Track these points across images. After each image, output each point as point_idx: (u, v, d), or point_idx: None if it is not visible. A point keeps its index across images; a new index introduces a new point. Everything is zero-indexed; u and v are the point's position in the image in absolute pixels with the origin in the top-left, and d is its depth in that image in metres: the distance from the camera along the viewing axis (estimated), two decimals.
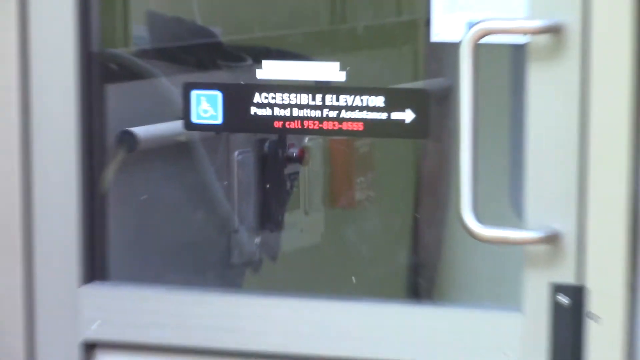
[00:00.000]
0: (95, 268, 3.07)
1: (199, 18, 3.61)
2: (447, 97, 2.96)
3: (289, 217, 3.47)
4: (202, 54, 3.47)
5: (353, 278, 3.37)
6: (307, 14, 3.79)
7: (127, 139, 3.03)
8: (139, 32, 3.47)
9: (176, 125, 2.94)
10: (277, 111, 2.82)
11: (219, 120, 2.82)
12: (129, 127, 3.06)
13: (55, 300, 3.12)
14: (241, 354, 2.93)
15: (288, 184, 3.46)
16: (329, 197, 3.62)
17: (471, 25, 2.57)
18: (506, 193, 3.03)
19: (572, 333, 2.73)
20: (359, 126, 2.74)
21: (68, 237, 3.00)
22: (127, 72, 3.24)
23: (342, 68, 2.77)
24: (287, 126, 2.85)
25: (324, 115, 2.79)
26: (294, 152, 3.33)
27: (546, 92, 2.59)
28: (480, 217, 2.56)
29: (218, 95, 2.80)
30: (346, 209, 3.65)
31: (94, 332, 3.04)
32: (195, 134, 3.16)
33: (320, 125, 2.81)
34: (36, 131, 3.01)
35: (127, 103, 3.25)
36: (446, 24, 2.72)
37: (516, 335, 2.76)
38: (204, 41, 3.59)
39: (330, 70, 2.80)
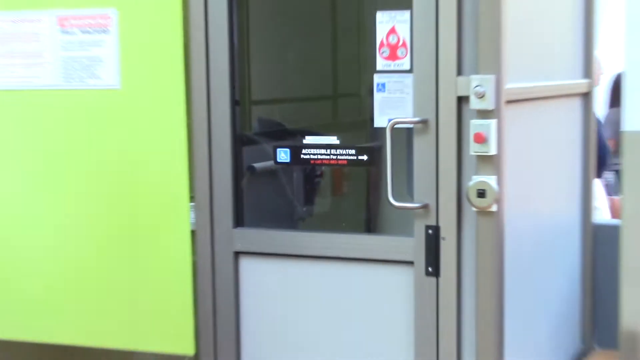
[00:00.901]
0: (239, 220, 4.56)
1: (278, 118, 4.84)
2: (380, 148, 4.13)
3: (317, 200, 4.78)
4: (278, 133, 4.68)
5: (343, 224, 4.75)
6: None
7: (251, 168, 4.58)
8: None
9: (270, 163, 4.44)
10: (311, 156, 4.35)
11: (288, 160, 4.38)
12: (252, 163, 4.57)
13: (224, 235, 4.55)
14: (322, 257, 4.41)
15: (315, 186, 4.71)
16: (332, 190, 4.76)
17: (389, 120, 4.08)
18: (407, 188, 4.34)
19: (435, 247, 4.16)
20: (344, 162, 4.32)
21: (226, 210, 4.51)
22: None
23: (338, 137, 4.32)
24: (314, 162, 4.38)
25: (330, 157, 4.32)
26: (318, 172, 4.61)
27: (421, 147, 4.14)
28: (395, 197, 4.10)
29: (288, 150, 4.37)
30: (339, 195, 4.76)
31: (238, 247, 4.53)
32: (279, 167, 4.52)
33: (329, 161, 4.35)
34: (215, 148, 4.50)
35: (250, 153, 4.57)
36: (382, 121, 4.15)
37: (410, 247, 4.19)
38: (278, 128, 4.77)
39: (331, 139, 4.32)
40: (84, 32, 4.91)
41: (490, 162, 4.01)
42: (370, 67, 4.27)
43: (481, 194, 4.01)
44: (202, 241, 4.65)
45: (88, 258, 5.03)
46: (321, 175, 4.68)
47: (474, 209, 4.06)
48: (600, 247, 5.47)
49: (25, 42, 5.03)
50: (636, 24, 2.29)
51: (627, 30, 2.28)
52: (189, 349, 4.85)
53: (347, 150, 4.37)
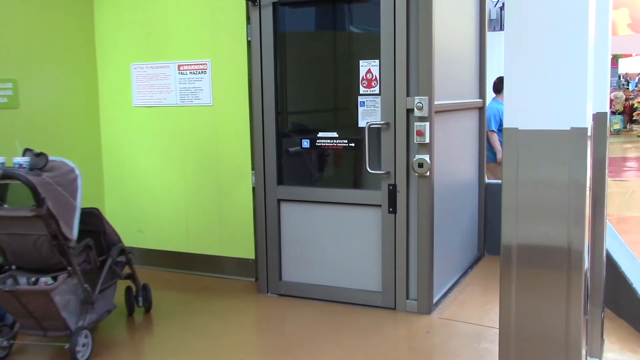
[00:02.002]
0: (280, 180, 4.42)
1: (303, 122, 4.70)
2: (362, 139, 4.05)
3: (325, 169, 4.58)
4: (303, 131, 4.50)
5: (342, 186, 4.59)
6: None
7: (287, 151, 4.42)
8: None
9: (298, 148, 4.38)
10: (322, 143, 4.29)
11: (309, 146, 4.32)
12: (288, 148, 4.46)
13: (271, 189, 4.42)
14: (329, 203, 4.30)
15: (325, 161, 4.48)
16: (335, 163, 4.48)
17: (367, 122, 3.99)
18: (377, 162, 4.10)
19: (393, 196, 4.06)
20: (341, 147, 4.25)
21: (272, 175, 4.40)
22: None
23: (337, 133, 4.23)
24: (324, 147, 4.29)
25: (333, 144, 4.25)
26: (326, 153, 4.32)
27: (386, 138, 4.02)
28: (370, 167, 4.04)
29: (308, 140, 4.31)
30: (338, 166, 4.50)
31: (280, 196, 4.38)
32: (303, 150, 4.36)
33: (332, 147, 4.27)
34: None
35: (287, 142, 4.46)
36: (363, 124, 4.03)
37: (379, 196, 4.10)
38: (303, 128, 4.60)
39: (333, 134, 4.24)
40: (192, 73, 4.87)
41: (425, 147, 3.98)
42: (356, 92, 4.16)
43: (420, 165, 3.97)
44: (259, 193, 4.55)
45: (192, 200, 5.01)
46: (328, 155, 4.43)
47: (416, 174, 4.01)
48: (489, 194, 5.36)
49: (160, 79, 4.99)
50: (514, 43, 2.09)
51: (506, 48, 2.08)
52: (251, 255, 4.84)
53: (342, 141, 4.28)
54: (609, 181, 6.89)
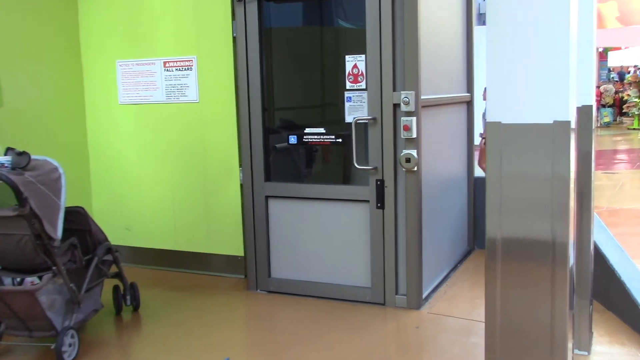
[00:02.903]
0: (268, 177, 4.39)
1: (291, 118, 4.64)
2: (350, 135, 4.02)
3: (314, 165, 4.49)
4: (290, 126, 4.42)
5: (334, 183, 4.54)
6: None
7: (274, 147, 4.40)
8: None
9: (286, 144, 4.35)
10: (309, 139, 4.25)
11: (296, 142, 4.29)
12: (275, 144, 4.43)
13: (259, 186, 4.38)
14: (317, 199, 4.27)
15: (312, 157, 4.40)
16: (322, 159, 4.42)
17: (354, 118, 3.97)
18: (364, 158, 4.09)
19: (381, 192, 4.04)
20: (329, 143, 4.22)
21: (260, 171, 4.37)
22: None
23: (325, 128, 4.21)
24: (311, 143, 4.26)
25: (321, 140, 4.22)
26: (314, 149, 4.30)
27: (373, 133, 4.00)
28: (358, 163, 4.00)
29: (296, 136, 4.28)
30: (326, 162, 4.44)
31: (268, 193, 4.36)
32: (291, 146, 4.33)
33: (320, 142, 4.25)
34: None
35: (274, 138, 4.41)
36: (350, 119, 4.02)
37: (367, 192, 4.08)
38: (290, 124, 4.49)
39: (321, 129, 4.20)
40: (177, 70, 4.84)
41: (412, 142, 3.96)
42: (342, 87, 4.14)
43: (408, 160, 3.96)
44: (247, 190, 4.53)
45: (180, 198, 4.99)
46: (316, 151, 4.39)
47: (404, 169, 4.00)
48: (478, 189, 5.34)
49: (145, 76, 4.96)
50: (496, 36, 2.09)
51: (488, 42, 2.07)
52: (240, 252, 4.83)
53: (330, 136, 4.26)
54: (599, 174, 6.84)
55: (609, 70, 22.44)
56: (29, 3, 4.67)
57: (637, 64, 19.53)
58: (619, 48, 18.50)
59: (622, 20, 12.29)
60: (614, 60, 19.71)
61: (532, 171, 2.11)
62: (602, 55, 20.51)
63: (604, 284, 3.83)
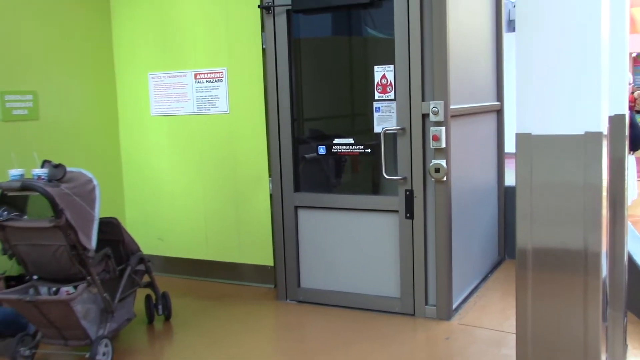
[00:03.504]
0: (297, 187, 4.41)
1: (320, 128, 4.65)
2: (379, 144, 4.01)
3: (343, 175, 4.53)
4: (320, 136, 4.46)
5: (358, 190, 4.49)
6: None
7: (304, 157, 4.41)
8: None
9: (315, 154, 4.36)
10: (338, 149, 4.27)
11: (325, 152, 4.31)
12: (304, 154, 4.44)
13: (288, 196, 4.41)
14: (346, 209, 4.28)
15: (341, 167, 4.45)
16: (351, 169, 4.47)
17: (383, 128, 3.97)
18: (394, 168, 4.08)
19: (410, 202, 4.04)
20: (358, 153, 4.23)
21: (289, 182, 4.39)
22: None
23: (353, 138, 4.22)
24: (340, 153, 4.28)
25: (350, 150, 4.24)
26: (343, 159, 4.33)
27: (402, 143, 4.00)
28: (387, 173, 4.01)
29: (324, 147, 4.29)
30: (355, 172, 4.49)
31: (297, 203, 4.39)
32: (320, 156, 4.34)
33: (349, 153, 4.26)
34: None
35: (303, 149, 4.45)
36: (379, 129, 4.10)
37: (397, 202, 4.08)
38: (319, 134, 4.53)
39: (349, 139, 4.21)
40: (208, 81, 4.90)
41: (442, 152, 3.96)
42: (371, 97, 4.15)
43: (437, 170, 3.95)
44: (276, 200, 4.55)
45: (211, 208, 5.03)
46: (344, 161, 4.42)
47: (433, 179, 3.99)
48: (509, 198, 5.27)
49: (176, 88, 5.03)
50: (525, 46, 2.07)
51: (518, 51, 2.06)
52: (270, 262, 4.85)
53: (359, 146, 4.27)
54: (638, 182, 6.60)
55: None
56: (63, 18, 4.80)
57: None
58: None
59: None
60: None
61: (563, 180, 2.09)
62: (637, 60, 20.04)
63: (638, 295, 3.75)
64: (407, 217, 4.09)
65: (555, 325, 2.17)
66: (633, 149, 5.86)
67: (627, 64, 3.17)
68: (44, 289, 3.62)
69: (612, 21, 2.54)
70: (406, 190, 4.08)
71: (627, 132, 3.09)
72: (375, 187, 4.41)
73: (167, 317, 4.24)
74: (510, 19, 10.25)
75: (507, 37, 5.23)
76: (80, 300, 3.42)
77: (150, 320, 4.20)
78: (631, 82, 6.86)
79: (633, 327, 3.66)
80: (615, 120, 2.99)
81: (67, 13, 4.82)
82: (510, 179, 5.31)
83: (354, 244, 4.32)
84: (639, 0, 11.62)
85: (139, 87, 5.15)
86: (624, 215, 3.11)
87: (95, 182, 3.53)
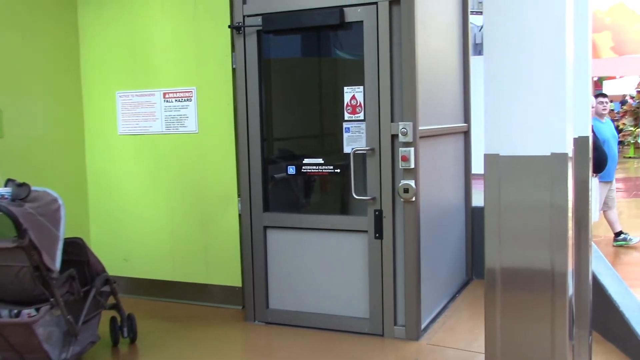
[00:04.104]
0: (267, 207, 4.42)
1: (289, 148, 4.62)
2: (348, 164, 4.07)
3: (312, 195, 4.49)
4: (289, 157, 4.42)
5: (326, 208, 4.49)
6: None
7: (273, 177, 4.42)
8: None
9: (284, 174, 4.36)
10: (308, 169, 4.27)
11: (294, 172, 4.31)
12: (274, 174, 4.44)
13: (257, 216, 4.40)
14: (315, 229, 4.27)
15: (311, 187, 4.41)
16: (321, 189, 4.42)
17: (352, 148, 4.01)
18: (363, 188, 4.12)
19: (379, 222, 4.06)
20: (327, 173, 4.23)
21: (259, 202, 4.36)
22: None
23: (323, 159, 4.22)
24: (309, 173, 4.28)
25: (319, 170, 4.24)
26: (312, 179, 4.28)
27: (371, 164, 4.02)
28: (356, 193, 4.04)
29: (294, 167, 4.29)
30: (324, 192, 4.43)
31: (266, 223, 4.36)
32: (289, 176, 4.36)
33: (318, 173, 4.26)
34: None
35: (272, 169, 4.46)
36: (348, 149, 4.09)
37: (366, 222, 4.10)
38: (289, 154, 4.47)
39: (319, 160, 4.22)
40: (177, 100, 4.89)
41: (411, 172, 3.99)
42: (341, 118, 4.19)
43: (406, 190, 3.98)
44: (245, 220, 4.53)
45: (178, 228, 5.00)
46: (314, 181, 4.37)
47: (402, 199, 4.02)
48: (476, 218, 5.34)
49: (145, 107, 5.01)
50: (493, 69, 2.11)
51: (486, 75, 2.10)
52: (238, 283, 4.82)
53: (328, 166, 4.28)
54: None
55: None
56: (30, 35, 4.74)
57: (630, 93, 19.66)
58: (614, 77, 18.65)
59: (616, 50, 12.45)
60: (609, 89, 19.87)
61: (530, 202, 2.14)
62: (597, 84, 20.66)
63: (603, 314, 3.82)
64: (376, 237, 4.10)
65: (524, 344, 2.20)
66: (596, 170, 6.01)
67: (590, 87, 3.26)
68: (4, 312, 3.52)
69: (576, 47, 2.64)
70: (375, 211, 4.10)
71: (590, 154, 3.18)
72: (345, 207, 4.42)
73: (133, 339, 4.15)
74: (476, 42, 10.49)
75: (473, 60, 5.34)
76: (43, 322, 3.33)
77: (115, 343, 4.11)
78: (594, 105, 7.07)
79: (598, 346, 3.71)
80: (580, 142, 3.06)
81: (34, 30, 4.77)
82: (477, 200, 5.39)
83: (323, 264, 4.31)
84: (599, 26, 12.03)
85: (106, 105, 5.10)
86: (588, 235, 3.16)
87: (60, 201, 3.47)
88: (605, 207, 7.31)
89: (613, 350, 3.76)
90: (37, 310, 3.43)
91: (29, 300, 3.44)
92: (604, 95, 7.52)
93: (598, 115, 7.28)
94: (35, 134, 4.80)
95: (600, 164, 5.70)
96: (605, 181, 7.13)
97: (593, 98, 6.84)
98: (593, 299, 3.31)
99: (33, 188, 3.41)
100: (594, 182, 5.26)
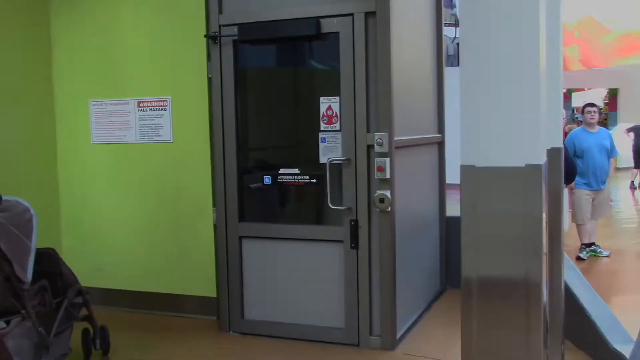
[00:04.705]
0: (242, 217, 4.40)
1: (265, 158, 4.65)
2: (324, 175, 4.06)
3: (287, 205, 4.52)
4: (265, 166, 4.45)
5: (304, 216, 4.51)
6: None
7: (249, 187, 4.39)
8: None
9: (260, 184, 4.35)
10: (284, 179, 4.27)
11: (270, 182, 4.31)
12: (249, 184, 4.42)
13: (233, 226, 4.38)
14: (290, 239, 4.27)
15: (286, 197, 4.43)
16: (296, 199, 4.44)
17: (329, 158, 4.02)
18: (338, 198, 4.11)
19: (355, 232, 4.07)
20: (303, 183, 4.24)
21: (234, 211, 4.35)
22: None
23: (299, 169, 4.23)
24: (286, 183, 4.29)
25: (295, 180, 4.25)
26: (289, 188, 4.29)
27: (347, 174, 4.05)
28: (332, 203, 4.05)
29: (270, 177, 4.30)
30: (300, 203, 4.46)
31: (242, 233, 4.35)
32: (265, 186, 4.29)
33: (294, 183, 4.27)
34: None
35: (248, 178, 4.44)
36: (324, 159, 4.16)
37: (341, 232, 4.11)
38: (264, 164, 4.51)
39: (295, 170, 4.23)
40: (152, 109, 4.86)
41: (386, 183, 4.02)
42: (317, 128, 4.20)
43: (382, 200, 4.01)
44: (220, 230, 4.52)
45: (152, 238, 4.97)
46: (290, 191, 4.44)
47: (378, 209, 4.04)
48: (450, 228, 5.37)
49: (119, 116, 4.97)
50: (469, 83, 2.15)
51: (462, 88, 2.14)
52: (213, 293, 4.78)
53: (304, 176, 4.29)
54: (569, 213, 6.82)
55: (573, 111, 22.99)
56: (0, 43, 4.66)
57: (598, 105, 20.08)
58: (582, 89, 19.05)
59: (584, 63, 12.70)
60: (578, 101, 20.27)
61: (506, 212, 2.17)
62: (566, 95, 21.06)
63: (574, 323, 3.86)
64: (352, 247, 4.11)
65: (500, 352, 2.22)
66: (567, 181, 6.09)
67: (561, 100, 3.33)
68: None
69: (549, 59, 2.70)
70: (351, 220, 4.11)
71: (562, 165, 3.25)
72: (321, 217, 4.43)
73: (105, 352, 4.08)
74: (449, 54, 10.61)
75: (446, 71, 5.39)
76: (13, 335, 3.25)
77: (87, 355, 4.04)
78: (564, 117, 7.15)
79: (570, 354, 3.75)
80: (552, 154, 3.12)
81: (5, 38, 4.70)
82: (451, 210, 5.42)
83: (298, 274, 4.30)
84: (568, 39, 12.28)
85: (79, 114, 5.05)
86: (560, 245, 3.21)
87: (32, 211, 3.40)
88: (595, 216, 7.25)
89: (585, 358, 3.81)
90: (8, 322, 3.34)
91: (0, 312, 3.35)
92: (592, 105, 7.52)
93: (587, 124, 7.37)
94: (5, 143, 4.71)
95: (568, 174, 5.78)
96: (582, 188, 7.12)
97: (563, 110, 6.91)
98: (565, 308, 3.31)
99: (4, 198, 3.33)
100: (564, 192, 5.32)
